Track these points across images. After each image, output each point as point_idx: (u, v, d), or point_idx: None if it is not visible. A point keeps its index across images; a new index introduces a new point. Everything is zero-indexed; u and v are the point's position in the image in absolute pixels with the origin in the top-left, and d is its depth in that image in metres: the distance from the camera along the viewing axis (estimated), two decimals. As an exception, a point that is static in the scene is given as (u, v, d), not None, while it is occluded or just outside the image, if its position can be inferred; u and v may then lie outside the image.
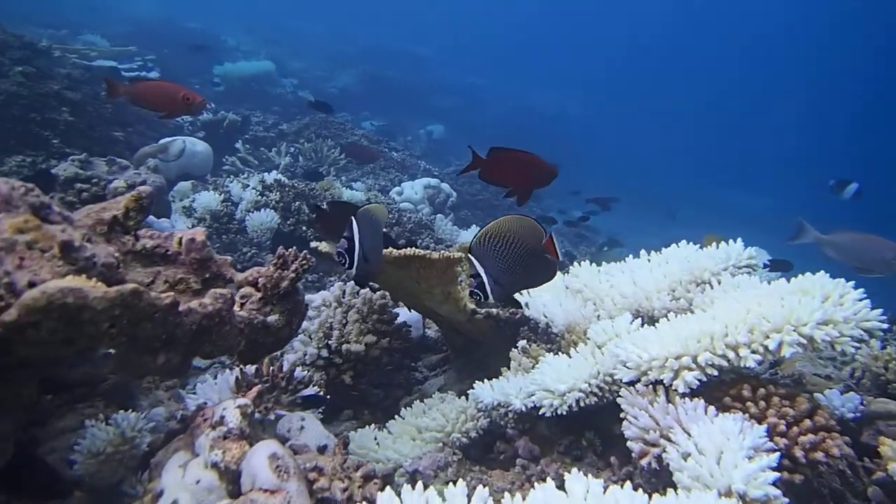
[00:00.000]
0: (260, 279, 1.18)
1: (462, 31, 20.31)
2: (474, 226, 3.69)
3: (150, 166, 3.05)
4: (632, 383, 1.26)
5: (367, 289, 2.04)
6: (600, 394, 1.34)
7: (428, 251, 1.68)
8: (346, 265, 1.32)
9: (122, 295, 0.92)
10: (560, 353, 1.53)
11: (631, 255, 1.84)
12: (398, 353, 2.05)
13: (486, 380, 1.59)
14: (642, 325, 1.43)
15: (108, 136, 4.02)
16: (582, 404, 1.32)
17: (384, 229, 1.48)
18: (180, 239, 1.24)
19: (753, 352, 1.16)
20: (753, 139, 18.07)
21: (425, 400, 1.72)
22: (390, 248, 1.71)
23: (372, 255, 1.39)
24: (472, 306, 1.81)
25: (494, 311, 1.82)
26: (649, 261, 1.72)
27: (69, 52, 5.14)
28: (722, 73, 21.88)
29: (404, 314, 2.22)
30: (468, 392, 1.62)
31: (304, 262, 1.18)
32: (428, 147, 9.13)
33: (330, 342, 1.94)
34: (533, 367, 1.57)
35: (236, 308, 1.15)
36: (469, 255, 1.31)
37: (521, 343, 1.68)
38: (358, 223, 1.32)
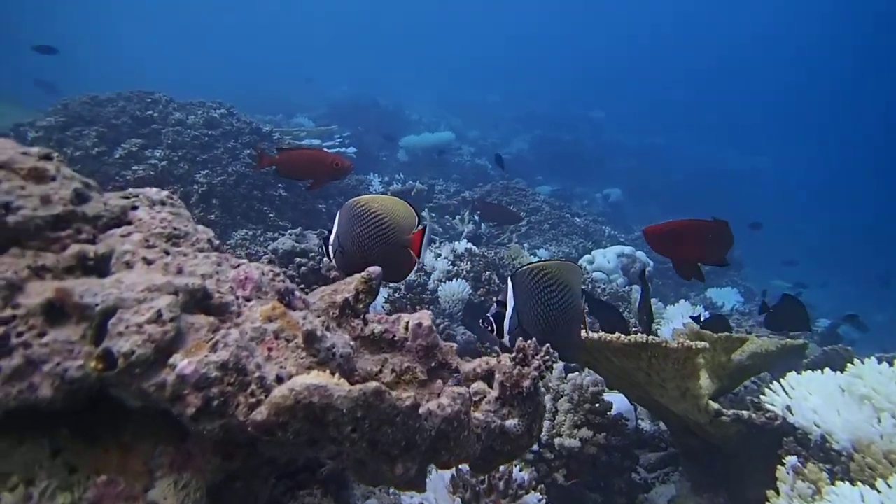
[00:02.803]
0: (497, 375, 1.04)
1: (639, 92, 19.90)
2: (683, 300, 3.30)
3: (353, 238, 3.20)
4: None
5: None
6: (942, 553, 0.98)
7: (663, 339, 1.45)
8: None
9: (364, 395, 0.84)
10: (856, 481, 1.18)
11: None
12: (616, 451, 1.80)
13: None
14: None
15: (314, 209, 4.38)
16: (915, 566, 0.97)
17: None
18: (407, 324, 1.17)
19: None
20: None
21: (663, 518, 1.44)
22: (617, 335, 1.51)
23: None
24: (717, 406, 1.51)
25: (745, 413, 1.51)
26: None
27: (284, 133, 5.82)
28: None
29: (615, 402, 1.97)
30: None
31: (546, 357, 1.03)
32: (604, 211, 8.81)
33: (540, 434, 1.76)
34: (815, 496, 1.23)
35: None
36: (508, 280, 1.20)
37: (791, 460, 1.34)
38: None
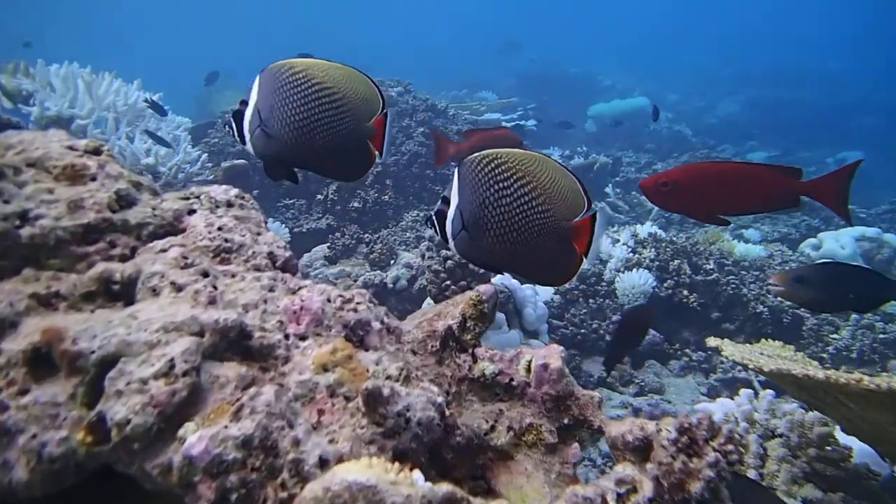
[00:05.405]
0: (650, 466, 0.67)
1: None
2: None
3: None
4: None
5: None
6: None
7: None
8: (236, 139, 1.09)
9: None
10: None
11: None
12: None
13: None
14: None
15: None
16: None
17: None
18: (529, 363, 0.85)
19: None
20: None
21: None
22: (858, 375, 1.01)
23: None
24: None
25: None
26: None
27: (463, 108, 5.68)
28: None
29: (854, 446, 1.42)
30: None
31: (728, 445, 0.63)
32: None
33: (741, 486, 1.32)
34: None
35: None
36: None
37: None
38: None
